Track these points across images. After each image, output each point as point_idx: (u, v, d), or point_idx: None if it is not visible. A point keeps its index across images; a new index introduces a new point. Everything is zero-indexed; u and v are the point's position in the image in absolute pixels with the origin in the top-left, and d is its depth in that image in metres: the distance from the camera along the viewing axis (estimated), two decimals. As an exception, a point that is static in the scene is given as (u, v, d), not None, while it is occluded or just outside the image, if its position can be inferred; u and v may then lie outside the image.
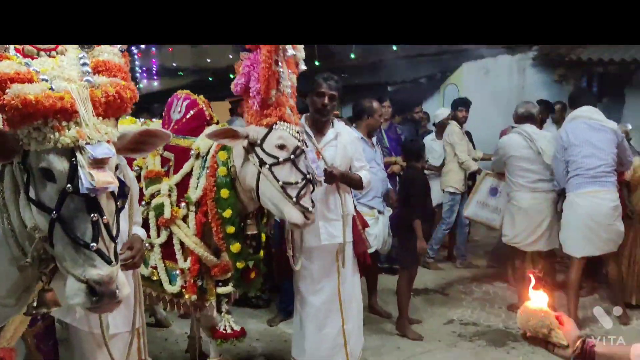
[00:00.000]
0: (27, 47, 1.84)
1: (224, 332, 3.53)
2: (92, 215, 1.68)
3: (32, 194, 1.73)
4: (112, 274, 1.68)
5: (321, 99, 3.67)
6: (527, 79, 8.94)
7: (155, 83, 19.26)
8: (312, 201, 3.07)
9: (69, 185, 1.66)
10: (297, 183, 3.00)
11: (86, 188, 1.66)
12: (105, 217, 1.72)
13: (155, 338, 4.51)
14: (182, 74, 19.31)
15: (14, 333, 2.15)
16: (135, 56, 17.12)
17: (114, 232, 1.80)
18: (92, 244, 1.66)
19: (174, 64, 19.63)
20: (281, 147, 3.02)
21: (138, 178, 3.47)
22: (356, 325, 3.90)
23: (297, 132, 3.12)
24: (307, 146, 3.20)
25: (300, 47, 3.23)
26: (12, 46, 1.81)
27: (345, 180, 3.72)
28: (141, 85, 18.31)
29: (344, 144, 3.78)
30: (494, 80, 8.92)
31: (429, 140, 6.90)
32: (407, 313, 4.66)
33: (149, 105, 14.45)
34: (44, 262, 1.93)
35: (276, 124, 3.06)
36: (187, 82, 20.10)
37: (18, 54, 1.80)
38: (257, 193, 3.09)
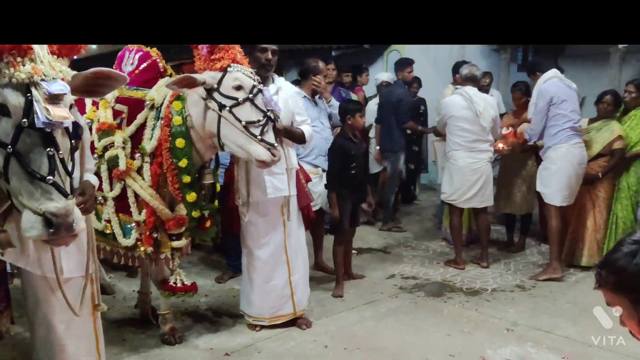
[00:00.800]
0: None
1: (174, 285, 3.60)
2: (49, 149, 1.74)
3: None
4: (68, 206, 1.75)
5: (264, 54, 3.73)
6: (467, 48, 9.17)
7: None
8: (282, 144, 3.15)
9: (24, 120, 1.70)
10: (259, 121, 3.07)
11: (42, 122, 1.71)
12: (61, 152, 1.78)
13: (103, 299, 4.50)
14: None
15: None
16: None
17: (70, 168, 1.85)
18: (48, 177, 1.72)
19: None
20: (238, 87, 3.09)
21: (89, 131, 3.45)
22: (302, 277, 4.02)
23: (251, 73, 3.18)
24: (262, 85, 3.26)
25: None
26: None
27: (288, 134, 3.79)
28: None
29: (285, 98, 3.83)
30: (435, 49, 9.11)
31: (373, 104, 7.03)
32: (340, 273, 4.72)
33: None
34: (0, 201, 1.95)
35: (230, 66, 3.11)
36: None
37: None
38: (219, 138, 3.14)
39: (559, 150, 4.92)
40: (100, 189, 3.44)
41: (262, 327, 3.94)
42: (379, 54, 9.35)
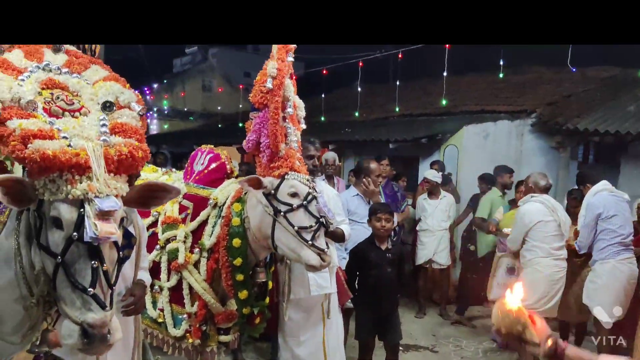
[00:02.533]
0: (54, 107, 2.07)
1: None
2: (93, 262, 1.86)
3: (42, 240, 1.91)
4: (105, 318, 1.84)
5: (312, 160, 3.92)
6: (525, 145, 9.18)
7: (166, 125, 19.68)
8: (327, 243, 3.26)
9: (75, 233, 1.84)
10: (311, 227, 3.19)
11: (90, 237, 1.84)
12: (105, 265, 1.89)
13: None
14: (192, 118, 19.78)
15: None
16: (148, 97, 17.56)
17: (113, 280, 1.96)
18: (89, 289, 1.83)
19: (185, 108, 20.16)
20: (294, 194, 3.24)
21: (155, 223, 3.71)
22: None
23: (307, 180, 3.34)
24: (317, 192, 3.41)
25: (302, 106, 3.52)
26: (40, 106, 2.04)
27: (330, 234, 3.90)
28: (152, 127, 18.73)
29: (327, 200, 3.98)
30: (493, 144, 9.17)
31: (421, 200, 7.11)
32: None
33: (158, 146, 14.76)
34: (48, 304, 2.11)
35: (287, 174, 3.29)
36: (196, 126, 20.61)
37: (45, 113, 2.03)
38: (273, 240, 3.29)
39: (606, 265, 4.85)
40: (158, 278, 3.65)
41: None
42: (436, 148, 9.47)
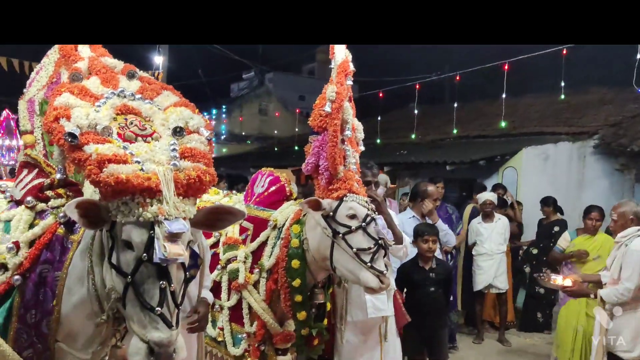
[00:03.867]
0: (127, 132, 2.17)
1: None
2: (161, 282, 1.93)
3: (113, 260, 2.00)
4: (171, 337, 1.91)
5: (369, 186, 3.92)
6: (588, 167, 8.94)
7: (225, 149, 20.15)
8: (386, 265, 3.25)
9: (145, 254, 1.92)
10: (369, 249, 3.18)
11: (159, 258, 1.91)
12: (172, 285, 1.96)
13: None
14: (249, 142, 20.18)
15: None
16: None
17: (179, 300, 2.03)
18: (157, 308, 1.89)
19: (243, 132, 20.59)
20: (352, 216, 3.24)
21: (217, 244, 3.80)
22: None
23: (366, 202, 3.33)
24: (376, 214, 3.41)
25: (360, 128, 3.55)
26: (115, 131, 2.13)
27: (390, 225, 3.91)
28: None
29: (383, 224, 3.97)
30: (553, 167, 8.97)
31: (476, 224, 6.99)
32: None
33: (217, 168, 15.10)
34: (117, 321, 2.20)
35: (346, 196, 3.30)
36: (253, 149, 21.02)
37: (119, 138, 2.13)
38: (332, 262, 3.30)
39: None
40: (218, 297, 3.72)
41: None
42: (494, 170, 9.32)
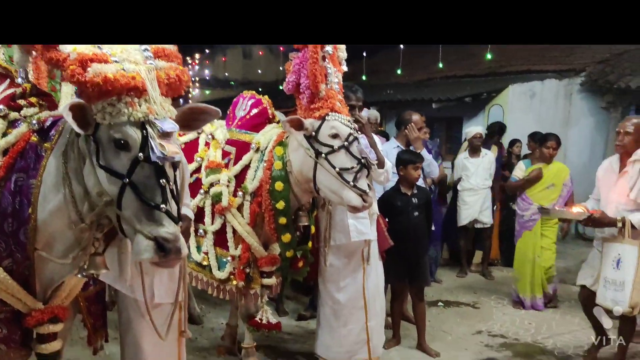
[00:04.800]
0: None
1: (259, 321, 3.74)
2: (161, 180, 1.91)
3: (102, 162, 1.95)
4: (177, 232, 1.91)
5: (353, 111, 3.84)
6: (574, 105, 8.91)
7: (207, 92, 19.86)
8: (369, 185, 3.24)
9: (140, 154, 1.89)
10: (352, 168, 3.18)
11: (157, 157, 1.89)
12: (171, 183, 1.96)
13: (191, 327, 4.73)
14: (233, 83, 19.91)
15: (68, 294, 2.36)
16: (189, 66, 17.70)
17: (177, 197, 2.02)
18: (162, 206, 1.88)
19: (226, 74, 20.27)
20: (334, 136, 3.22)
21: (199, 169, 3.75)
22: (379, 323, 4.03)
23: (349, 121, 3.31)
24: (359, 133, 3.38)
25: (343, 47, 3.46)
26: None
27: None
28: (193, 93, 18.91)
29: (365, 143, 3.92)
30: (540, 104, 8.92)
31: (462, 159, 6.96)
32: (395, 327, 4.64)
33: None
34: (100, 227, 2.17)
35: (328, 115, 3.26)
36: (237, 93, 20.70)
37: None
38: (315, 183, 3.29)
39: None
40: (202, 222, 3.71)
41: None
42: (480, 108, 9.27)
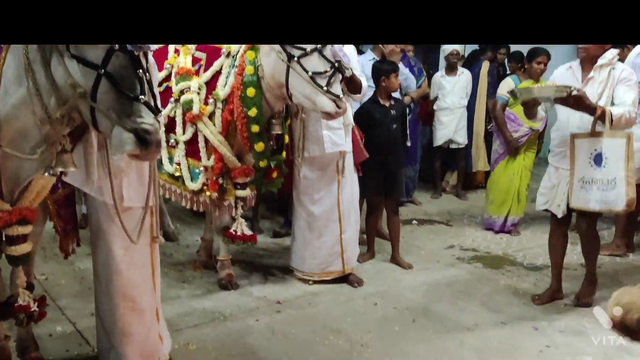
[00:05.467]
0: None
1: (234, 233, 3.74)
2: (138, 70, 1.84)
3: (74, 52, 1.86)
4: (157, 124, 1.87)
5: None
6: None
7: None
8: (342, 90, 3.17)
9: (116, 44, 1.80)
10: (325, 72, 3.10)
11: (133, 46, 1.82)
12: (147, 74, 1.90)
13: (167, 244, 4.74)
14: None
15: (36, 195, 2.31)
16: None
17: (153, 88, 1.97)
18: (141, 96, 1.82)
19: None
20: None
21: (169, 77, 3.64)
22: (353, 235, 4.06)
23: None
24: None
25: None
26: None
27: (349, 82, 3.76)
28: None
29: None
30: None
31: (438, 77, 6.83)
32: (370, 241, 4.67)
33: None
34: (70, 121, 2.08)
35: None
36: None
37: None
38: (287, 88, 3.21)
39: None
40: (173, 132, 3.63)
41: (315, 282, 4.02)
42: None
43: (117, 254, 2.60)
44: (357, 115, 4.29)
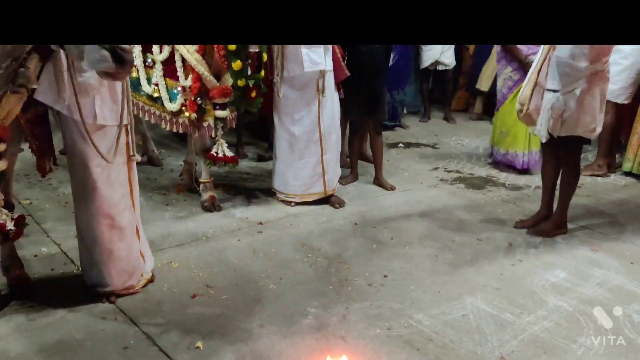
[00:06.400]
0: None
1: (215, 154, 3.75)
2: None
3: None
4: (132, 46, 1.96)
5: None
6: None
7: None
8: None
9: None
10: None
11: None
12: None
13: (150, 169, 4.77)
14: None
15: (7, 113, 2.30)
16: None
17: None
18: None
19: None
20: None
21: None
22: (334, 157, 4.07)
23: None
24: None
25: None
26: None
27: None
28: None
29: None
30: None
31: None
32: (353, 162, 4.69)
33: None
34: None
35: None
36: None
37: None
38: None
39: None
40: (150, 51, 3.58)
41: (297, 203, 4.07)
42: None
43: (94, 172, 2.61)
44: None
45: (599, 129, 3.40)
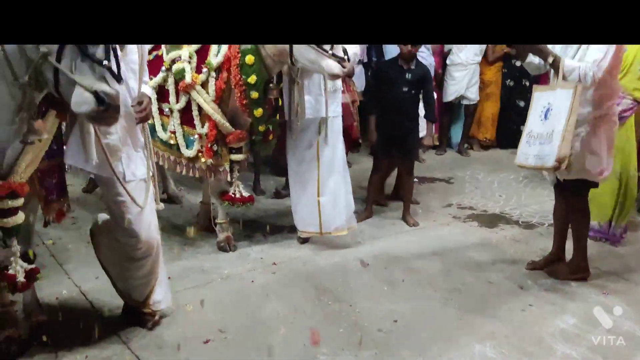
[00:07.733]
0: None
1: (233, 195, 3.85)
2: None
3: None
4: (118, 93, 1.94)
5: None
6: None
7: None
8: (344, 50, 3.29)
9: None
10: None
11: None
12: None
13: (169, 207, 4.88)
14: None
15: (26, 168, 2.36)
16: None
17: (117, 56, 2.02)
18: (104, 61, 1.89)
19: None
20: None
21: (158, 45, 3.69)
22: (331, 200, 4.07)
23: None
24: None
25: None
26: None
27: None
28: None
29: None
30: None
31: None
32: (369, 201, 4.79)
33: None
34: (38, 85, 2.15)
35: None
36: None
37: None
38: (291, 55, 3.33)
39: None
40: (167, 101, 3.72)
41: (304, 240, 4.20)
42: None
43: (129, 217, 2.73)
44: (374, 72, 4.39)
45: (606, 173, 3.40)
